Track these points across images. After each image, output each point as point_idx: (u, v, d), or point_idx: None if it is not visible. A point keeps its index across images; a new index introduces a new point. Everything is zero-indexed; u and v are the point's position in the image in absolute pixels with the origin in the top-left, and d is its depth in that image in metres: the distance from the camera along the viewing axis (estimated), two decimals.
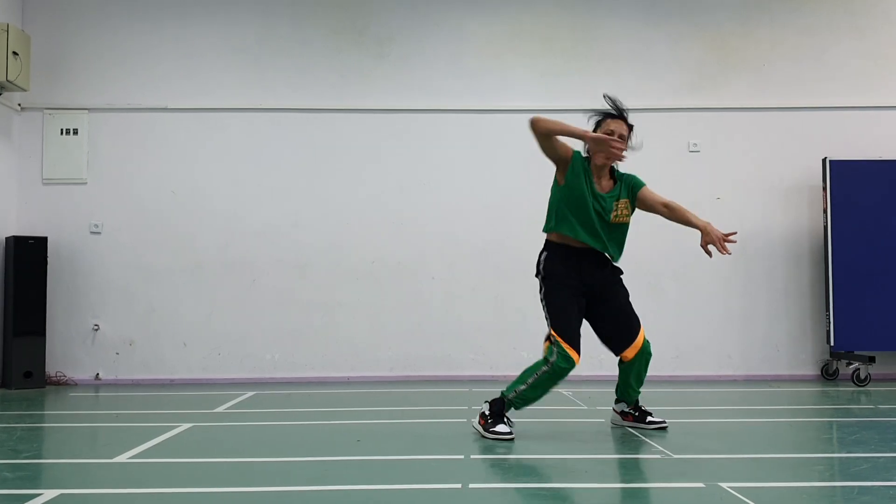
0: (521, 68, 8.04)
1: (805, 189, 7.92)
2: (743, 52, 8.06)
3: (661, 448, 4.17)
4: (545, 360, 4.45)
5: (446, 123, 7.96)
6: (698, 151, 7.99)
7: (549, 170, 4.73)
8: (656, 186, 7.79)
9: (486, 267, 7.86)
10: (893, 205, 7.50)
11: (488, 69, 8.03)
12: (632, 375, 4.70)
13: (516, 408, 4.60)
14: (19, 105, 7.84)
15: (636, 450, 4.21)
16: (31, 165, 7.86)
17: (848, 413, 5.72)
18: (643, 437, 4.49)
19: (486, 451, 4.21)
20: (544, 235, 4.74)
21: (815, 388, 7.15)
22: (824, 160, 7.61)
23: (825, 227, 7.57)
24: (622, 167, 4.73)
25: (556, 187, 4.64)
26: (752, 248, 7.89)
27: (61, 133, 7.89)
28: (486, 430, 4.50)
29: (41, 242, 7.50)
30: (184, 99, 7.95)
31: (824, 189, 7.59)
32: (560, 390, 6.81)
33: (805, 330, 7.87)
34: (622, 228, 4.65)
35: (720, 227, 7.76)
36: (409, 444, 4.42)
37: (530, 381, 4.48)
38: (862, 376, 7.18)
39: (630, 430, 4.75)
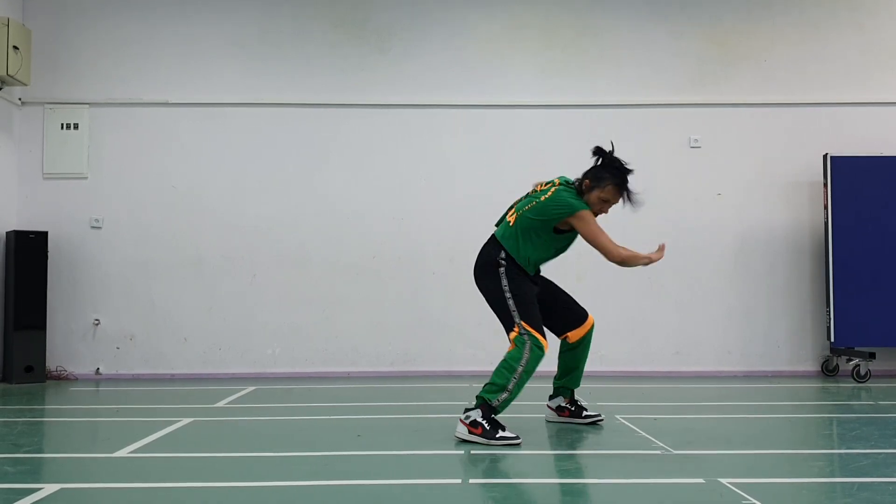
0: (523, 63, 8.03)
1: (805, 185, 7.91)
2: (744, 47, 8.05)
3: (660, 444, 4.17)
4: (518, 356, 4.37)
5: (447, 118, 7.95)
6: (699, 147, 7.98)
7: (550, 165, 4.72)
8: (657, 182, 7.90)
9: None
10: (894, 201, 7.50)
11: (489, 64, 8.02)
12: (578, 358, 4.79)
13: (499, 411, 4.42)
14: (20, 99, 7.84)
15: (636, 445, 4.21)
16: (31, 160, 7.86)
17: (848, 409, 5.72)
18: (643, 433, 4.49)
19: (486, 446, 4.21)
20: None
21: (815, 385, 7.15)
22: (825, 156, 7.60)
23: (826, 224, 7.57)
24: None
25: (551, 229, 4.60)
26: (753, 244, 7.90)
27: (62, 127, 7.88)
28: (490, 437, 4.27)
29: (42, 237, 7.49)
30: (185, 93, 7.94)
31: (825, 185, 7.58)
32: None
33: (805, 326, 7.87)
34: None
35: (720, 223, 7.91)
36: (410, 438, 4.43)
37: (511, 386, 4.35)
38: (862, 372, 7.18)
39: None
